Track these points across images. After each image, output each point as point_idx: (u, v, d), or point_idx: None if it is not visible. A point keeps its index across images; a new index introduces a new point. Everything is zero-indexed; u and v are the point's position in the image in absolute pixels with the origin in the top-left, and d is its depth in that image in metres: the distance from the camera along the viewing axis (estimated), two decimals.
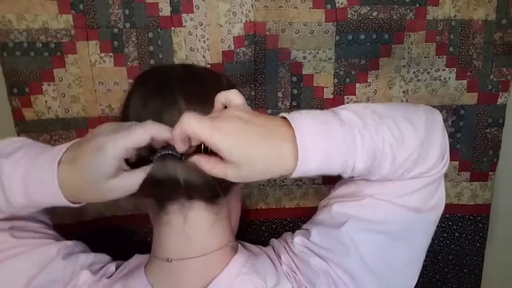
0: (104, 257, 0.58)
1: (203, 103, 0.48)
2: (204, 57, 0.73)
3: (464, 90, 0.78)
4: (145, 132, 0.43)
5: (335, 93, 0.77)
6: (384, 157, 0.45)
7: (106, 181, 0.43)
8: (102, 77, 0.74)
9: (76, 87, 0.74)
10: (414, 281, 0.53)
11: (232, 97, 0.46)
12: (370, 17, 0.73)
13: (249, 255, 0.54)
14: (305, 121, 0.44)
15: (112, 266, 0.56)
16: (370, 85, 0.77)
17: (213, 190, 0.49)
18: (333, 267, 0.50)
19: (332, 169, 0.44)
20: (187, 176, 0.46)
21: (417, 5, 0.73)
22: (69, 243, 0.55)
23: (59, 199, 0.45)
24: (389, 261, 0.50)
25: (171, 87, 0.51)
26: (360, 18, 0.73)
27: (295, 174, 0.43)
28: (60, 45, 0.71)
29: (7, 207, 0.47)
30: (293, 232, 0.58)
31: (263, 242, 0.60)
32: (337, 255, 0.50)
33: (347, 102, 0.77)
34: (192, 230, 0.51)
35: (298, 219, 0.81)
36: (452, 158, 0.80)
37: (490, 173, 0.81)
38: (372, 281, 0.50)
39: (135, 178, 0.44)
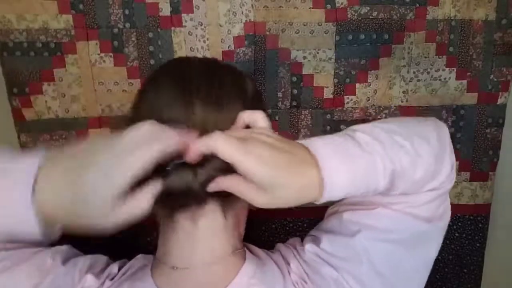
0: (101, 258, 0.55)
1: (221, 107, 0.46)
2: (204, 57, 0.73)
3: (464, 90, 0.78)
4: (154, 152, 0.39)
5: (335, 93, 0.77)
6: (403, 176, 0.46)
7: (107, 205, 0.38)
8: (102, 77, 0.74)
9: (76, 87, 0.74)
10: (421, 287, 0.54)
11: (258, 119, 0.45)
12: (370, 17, 0.73)
13: (258, 264, 0.52)
14: (326, 151, 0.43)
15: (114, 267, 0.54)
16: (370, 85, 0.77)
17: (223, 195, 0.45)
18: (344, 276, 0.49)
19: (356, 194, 0.45)
20: (200, 185, 0.44)
21: (417, 5, 0.73)
22: (61, 248, 0.53)
23: (32, 229, 0.40)
24: (398, 269, 0.51)
25: (188, 87, 0.47)
26: (360, 18, 0.73)
27: (321, 201, 0.43)
28: (60, 45, 0.71)
29: None
30: (296, 235, 0.58)
31: (263, 242, 0.60)
32: (349, 263, 0.50)
33: (347, 102, 0.77)
34: (201, 235, 0.49)
35: (298, 219, 0.81)
36: None
37: (490, 173, 0.81)
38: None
39: (143, 200, 0.40)
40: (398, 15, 0.74)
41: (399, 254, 0.50)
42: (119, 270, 0.54)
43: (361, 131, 0.46)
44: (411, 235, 0.50)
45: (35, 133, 0.74)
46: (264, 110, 0.49)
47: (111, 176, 0.37)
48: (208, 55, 0.73)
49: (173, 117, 0.45)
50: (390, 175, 0.45)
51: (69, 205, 0.39)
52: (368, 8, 0.73)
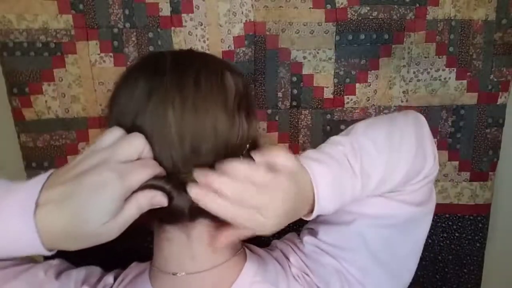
0: (95, 269, 0.55)
1: (197, 110, 0.42)
2: None
3: (464, 90, 0.78)
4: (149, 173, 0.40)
5: (335, 93, 0.77)
6: (384, 183, 0.49)
7: (104, 224, 0.38)
8: (102, 77, 0.73)
9: (76, 87, 0.73)
10: (415, 267, 0.55)
11: (279, 161, 0.41)
12: (370, 17, 0.73)
13: (259, 262, 0.52)
14: (325, 181, 0.44)
15: (109, 278, 0.53)
16: (370, 85, 0.77)
17: (197, 213, 0.44)
18: (345, 265, 0.50)
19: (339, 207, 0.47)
20: (189, 206, 0.43)
21: (417, 5, 0.73)
22: (53, 262, 0.52)
23: (35, 248, 0.39)
24: (395, 252, 0.52)
25: (161, 90, 0.43)
26: (360, 18, 0.73)
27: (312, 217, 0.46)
28: (60, 45, 0.71)
29: None
30: (293, 230, 0.58)
31: (259, 240, 0.59)
32: (348, 252, 0.51)
33: (347, 102, 0.77)
34: (197, 246, 0.48)
35: None
36: (452, 158, 0.81)
37: (490, 173, 0.81)
38: (382, 273, 0.52)
39: (128, 214, 0.40)
40: (398, 15, 0.74)
41: (395, 239, 0.52)
42: (114, 280, 0.53)
43: (349, 150, 0.47)
44: (404, 220, 0.51)
45: (35, 133, 0.74)
46: (252, 108, 0.47)
47: (90, 211, 0.38)
48: None
49: (147, 125, 0.42)
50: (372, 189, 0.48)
51: (66, 232, 0.39)
52: (368, 8, 0.73)
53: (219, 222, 0.45)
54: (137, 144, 0.41)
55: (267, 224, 0.41)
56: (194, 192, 0.40)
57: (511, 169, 0.85)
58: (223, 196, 0.39)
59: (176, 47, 0.73)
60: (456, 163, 0.81)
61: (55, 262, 0.52)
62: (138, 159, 0.41)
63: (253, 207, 0.40)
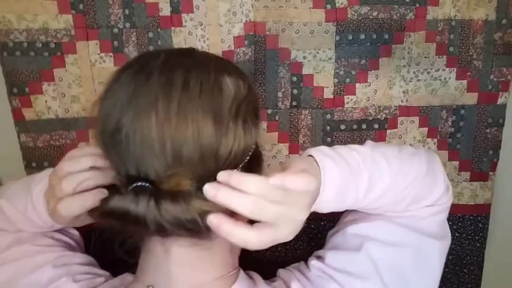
0: (101, 272, 0.55)
1: (182, 119, 0.39)
2: None
3: (464, 90, 0.78)
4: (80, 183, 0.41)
5: (335, 93, 0.77)
6: (387, 193, 0.48)
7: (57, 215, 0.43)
8: (102, 77, 0.73)
9: (76, 87, 0.74)
10: None
11: (293, 187, 0.38)
12: (370, 17, 0.73)
13: (249, 285, 0.48)
14: (334, 180, 0.43)
15: (100, 279, 0.52)
16: (370, 85, 0.77)
17: (197, 227, 0.39)
18: None
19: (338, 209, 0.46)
20: (157, 215, 0.38)
21: (417, 5, 0.73)
22: (67, 253, 0.54)
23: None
24: (408, 285, 0.49)
25: (146, 94, 0.40)
26: (360, 18, 0.73)
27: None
28: (60, 45, 0.71)
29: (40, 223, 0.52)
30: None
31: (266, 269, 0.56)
32: (357, 279, 0.48)
33: (347, 102, 0.77)
34: (174, 266, 0.44)
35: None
36: (452, 158, 0.81)
37: (490, 173, 0.81)
38: None
39: (87, 201, 0.41)
40: (398, 15, 0.73)
41: (407, 270, 0.49)
42: (103, 282, 0.53)
43: (358, 153, 0.47)
44: (415, 249, 0.49)
45: (35, 133, 0.74)
46: (254, 116, 0.44)
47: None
48: None
49: (129, 127, 0.40)
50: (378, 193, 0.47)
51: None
52: (368, 8, 0.73)
53: (197, 239, 0.43)
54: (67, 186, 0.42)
55: (285, 235, 0.39)
56: (212, 193, 0.37)
57: (511, 169, 0.85)
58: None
59: (176, 47, 0.73)
60: (456, 163, 0.81)
61: (70, 253, 0.55)
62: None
63: (270, 219, 0.37)
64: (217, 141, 0.40)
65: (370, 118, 0.78)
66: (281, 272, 0.54)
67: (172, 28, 0.72)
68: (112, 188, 0.41)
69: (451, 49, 0.76)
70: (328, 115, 0.77)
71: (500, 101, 0.78)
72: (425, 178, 0.50)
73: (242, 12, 0.72)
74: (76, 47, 0.72)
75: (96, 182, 0.42)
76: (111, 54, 0.73)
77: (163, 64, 0.42)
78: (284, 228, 0.38)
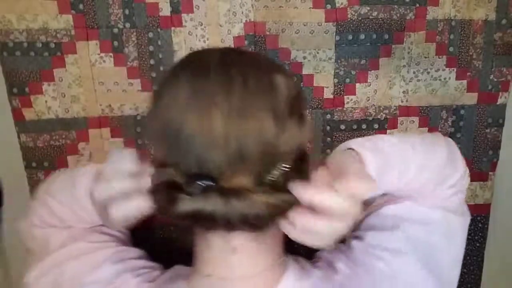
0: (155, 265, 0.57)
1: (244, 116, 0.40)
2: None
3: (464, 90, 0.78)
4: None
5: (335, 93, 0.77)
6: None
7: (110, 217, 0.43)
8: (102, 77, 0.74)
9: (76, 87, 0.74)
10: (457, 278, 0.56)
11: (359, 193, 0.40)
12: (370, 17, 0.73)
13: (300, 271, 0.51)
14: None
15: (156, 272, 0.55)
16: (370, 85, 0.77)
17: (260, 221, 0.41)
18: (395, 268, 0.50)
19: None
20: (226, 212, 0.39)
21: (417, 5, 0.73)
22: (122, 248, 0.56)
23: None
24: (442, 259, 0.53)
25: (205, 93, 0.41)
26: (360, 18, 0.73)
27: None
28: (60, 45, 0.71)
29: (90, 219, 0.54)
30: None
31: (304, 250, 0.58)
32: (397, 255, 0.51)
33: (347, 102, 0.77)
34: (236, 257, 0.46)
35: None
36: None
37: (490, 173, 0.81)
38: (428, 279, 0.52)
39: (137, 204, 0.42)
40: (398, 15, 0.74)
41: (439, 246, 0.53)
42: (160, 275, 0.55)
43: (389, 144, 0.51)
44: (445, 225, 0.53)
45: (35, 133, 0.74)
46: (303, 112, 0.45)
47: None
48: None
49: (190, 125, 0.40)
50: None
51: None
52: (368, 8, 0.73)
53: (258, 232, 0.45)
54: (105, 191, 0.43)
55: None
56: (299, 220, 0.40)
57: (511, 169, 0.85)
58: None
59: (176, 47, 0.73)
60: None
61: (124, 248, 0.56)
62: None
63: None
64: (277, 138, 0.41)
65: (370, 118, 0.78)
66: (321, 253, 0.56)
67: (172, 28, 0.72)
68: (172, 186, 0.41)
69: (451, 49, 0.76)
70: (328, 115, 0.77)
71: (500, 101, 0.79)
72: (446, 163, 0.53)
73: (242, 12, 0.72)
74: (76, 47, 0.72)
75: (142, 191, 0.42)
76: (111, 54, 0.73)
77: (220, 63, 0.43)
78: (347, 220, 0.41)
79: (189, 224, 0.43)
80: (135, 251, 0.58)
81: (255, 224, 0.41)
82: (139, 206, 0.42)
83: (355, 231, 0.57)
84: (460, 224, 0.55)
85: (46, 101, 0.73)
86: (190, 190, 0.40)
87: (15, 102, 0.73)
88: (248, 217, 0.40)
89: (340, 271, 0.51)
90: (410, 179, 0.51)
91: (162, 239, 0.78)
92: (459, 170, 0.55)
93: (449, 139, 0.59)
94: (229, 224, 0.40)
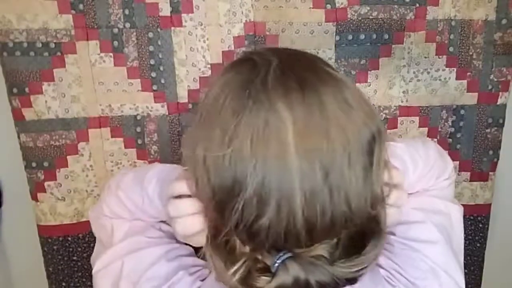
0: (204, 263, 0.57)
1: (315, 125, 0.35)
2: (204, 57, 0.73)
3: (464, 90, 0.78)
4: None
5: None
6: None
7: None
8: (102, 77, 0.74)
9: (76, 87, 0.73)
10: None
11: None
12: (370, 17, 0.73)
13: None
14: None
15: (205, 271, 0.55)
16: (370, 85, 0.77)
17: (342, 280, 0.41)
18: (433, 258, 0.52)
19: None
20: (307, 278, 0.39)
21: (417, 5, 0.73)
22: (176, 245, 0.57)
23: None
24: (454, 246, 0.56)
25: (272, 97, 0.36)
26: (360, 18, 0.73)
27: None
28: (60, 45, 0.71)
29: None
30: None
31: None
32: (429, 244, 0.53)
33: None
34: None
35: None
36: (452, 158, 0.80)
37: (490, 173, 0.81)
38: (457, 266, 0.54)
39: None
40: (398, 15, 0.73)
41: (453, 235, 0.56)
42: (208, 274, 0.55)
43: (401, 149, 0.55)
44: (449, 214, 0.57)
45: (35, 133, 0.74)
46: (383, 158, 0.42)
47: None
48: (208, 55, 0.73)
49: (265, 175, 0.34)
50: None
51: None
52: (368, 8, 0.73)
53: None
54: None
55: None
56: None
57: (511, 169, 0.85)
58: None
59: (176, 47, 0.73)
60: (457, 163, 0.81)
61: (177, 245, 0.57)
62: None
63: None
64: (363, 188, 0.37)
65: None
66: None
67: (172, 28, 0.72)
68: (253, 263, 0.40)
69: (451, 49, 0.76)
70: None
71: (500, 101, 0.78)
72: (439, 157, 0.60)
73: (242, 12, 0.72)
74: (76, 47, 0.72)
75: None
76: (111, 54, 0.73)
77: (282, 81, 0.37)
78: None
79: None
80: (186, 248, 0.59)
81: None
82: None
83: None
84: (459, 213, 0.59)
85: (46, 101, 0.73)
86: (272, 265, 0.39)
87: (15, 102, 0.73)
88: (325, 285, 0.39)
89: (383, 266, 0.52)
90: (420, 175, 0.56)
91: None
92: (450, 163, 0.61)
93: (429, 140, 0.65)
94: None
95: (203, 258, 0.47)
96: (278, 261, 0.38)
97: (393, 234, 0.55)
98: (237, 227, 0.37)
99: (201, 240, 0.45)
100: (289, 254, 0.38)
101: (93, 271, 0.56)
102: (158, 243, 0.56)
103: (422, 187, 0.59)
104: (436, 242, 0.54)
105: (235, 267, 0.40)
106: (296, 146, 0.34)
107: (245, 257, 0.40)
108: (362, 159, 0.37)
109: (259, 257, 0.41)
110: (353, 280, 0.41)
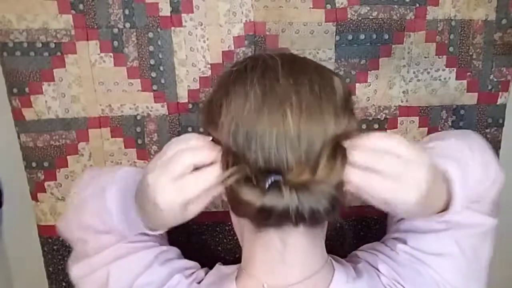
0: (195, 264, 0.58)
1: (313, 115, 0.44)
2: (204, 57, 0.73)
3: (464, 90, 0.78)
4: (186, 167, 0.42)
5: None
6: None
7: (180, 219, 0.44)
8: (102, 77, 0.74)
9: (76, 87, 0.74)
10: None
11: (390, 146, 0.41)
12: (370, 17, 0.73)
13: (347, 270, 0.52)
14: (456, 174, 0.47)
15: (201, 272, 0.56)
16: (370, 85, 0.77)
17: (323, 218, 0.44)
18: (443, 274, 0.51)
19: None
20: (301, 208, 0.41)
21: (417, 5, 0.73)
22: (166, 248, 0.57)
23: (148, 232, 0.50)
24: (481, 262, 0.55)
25: (277, 93, 0.45)
26: (360, 18, 0.73)
27: (448, 215, 0.46)
28: (60, 45, 0.71)
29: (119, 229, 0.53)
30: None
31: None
32: (444, 258, 0.51)
33: None
34: (291, 255, 0.48)
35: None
36: None
37: None
38: (475, 281, 0.53)
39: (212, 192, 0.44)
40: (398, 15, 0.74)
41: (477, 244, 0.54)
42: (205, 275, 0.55)
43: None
44: (485, 229, 0.54)
45: (35, 133, 0.74)
46: (353, 107, 0.49)
47: (161, 187, 0.42)
48: (208, 55, 0.73)
49: (264, 130, 0.43)
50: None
51: (150, 219, 0.47)
52: (368, 8, 0.73)
53: (315, 228, 0.48)
54: (179, 166, 0.42)
55: (409, 197, 0.40)
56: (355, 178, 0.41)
57: (510, 169, 0.84)
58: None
59: (176, 47, 0.73)
60: None
61: (165, 248, 0.57)
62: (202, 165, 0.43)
63: (395, 177, 0.40)
64: (335, 133, 0.44)
65: (370, 118, 0.78)
66: (359, 254, 0.57)
67: (172, 28, 0.72)
68: (245, 181, 0.42)
69: (451, 49, 0.76)
70: None
71: (500, 101, 0.79)
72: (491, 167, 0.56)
73: (242, 12, 0.72)
74: (76, 47, 0.72)
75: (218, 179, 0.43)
76: (111, 54, 0.73)
77: (286, 68, 0.47)
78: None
79: (256, 219, 0.45)
80: (174, 251, 0.59)
81: (318, 217, 0.42)
82: (215, 178, 0.42)
83: (394, 232, 0.57)
84: (494, 225, 0.57)
85: (46, 101, 0.73)
86: (263, 185, 0.41)
87: (15, 102, 0.73)
88: (318, 210, 0.41)
89: (384, 274, 0.51)
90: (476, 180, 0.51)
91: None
92: (499, 171, 0.57)
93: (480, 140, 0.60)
94: (300, 219, 0.41)
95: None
96: (269, 180, 0.41)
97: (405, 242, 0.53)
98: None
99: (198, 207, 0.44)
100: (280, 178, 0.41)
101: (73, 276, 0.54)
102: (145, 247, 0.54)
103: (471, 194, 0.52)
104: (450, 256, 0.51)
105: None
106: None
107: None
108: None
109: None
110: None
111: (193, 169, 0.42)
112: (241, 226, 0.52)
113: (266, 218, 0.42)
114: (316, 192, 0.41)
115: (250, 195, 0.41)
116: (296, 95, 0.44)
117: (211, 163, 0.43)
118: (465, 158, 0.51)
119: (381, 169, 0.40)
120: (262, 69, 0.47)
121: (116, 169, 0.56)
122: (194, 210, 0.44)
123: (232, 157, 0.43)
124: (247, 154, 0.43)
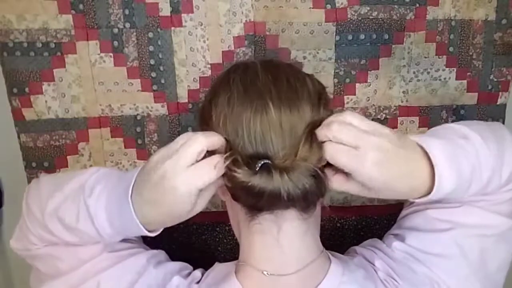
0: (186, 265, 0.58)
1: (292, 107, 0.49)
2: (204, 57, 0.73)
3: (464, 90, 0.78)
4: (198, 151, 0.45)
5: (335, 93, 0.77)
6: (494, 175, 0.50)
7: (190, 212, 0.47)
8: (102, 77, 0.74)
9: (76, 87, 0.74)
10: (502, 285, 0.55)
11: (352, 120, 0.45)
12: (370, 17, 0.73)
13: (343, 263, 0.53)
14: (439, 153, 0.46)
15: (197, 272, 0.56)
16: (370, 85, 0.77)
17: (312, 199, 0.48)
18: (440, 274, 0.50)
19: (460, 191, 0.48)
20: (289, 188, 0.44)
21: (417, 5, 0.73)
22: (155, 252, 0.57)
23: (143, 232, 0.48)
24: (487, 265, 0.52)
25: (259, 89, 0.50)
26: (360, 18, 0.73)
27: (433, 197, 0.46)
28: (60, 45, 0.71)
29: (100, 238, 0.50)
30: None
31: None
32: (443, 259, 0.51)
33: (347, 102, 0.77)
34: (287, 240, 0.50)
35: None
36: None
37: None
38: (476, 283, 0.51)
39: (209, 194, 0.48)
40: (398, 15, 0.74)
41: (488, 250, 0.52)
42: (202, 275, 0.56)
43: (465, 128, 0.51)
44: (496, 230, 0.52)
45: (35, 133, 0.74)
46: (328, 104, 0.53)
47: (181, 171, 0.44)
48: (208, 55, 0.73)
49: (249, 120, 0.48)
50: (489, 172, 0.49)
51: (159, 213, 0.47)
52: (368, 8, 0.73)
53: (307, 213, 0.50)
54: (194, 148, 0.45)
55: (366, 161, 0.43)
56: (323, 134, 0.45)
57: None
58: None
59: (176, 47, 0.73)
60: None
61: (156, 252, 0.57)
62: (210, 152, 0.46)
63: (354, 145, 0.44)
64: (314, 120, 0.49)
65: (370, 118, 0.78)
66: (357, 249, 0.58)
67: (172, 28, 0.72)
68: (237, 166, 0.45)
69: (451, 49, 0.76)
70: None
71: (500, 101, 0.79)
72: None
73: (242, 12, 0.72)
74: (76, 47, 0.72)
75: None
76: (111, 54, 0.73)
77: (265, 67, 0.54)
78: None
79: (249, 203, 0.48)
80: (162, 253, 0.59)
81: (307, 197, 0.45)
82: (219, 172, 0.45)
83: (396, 228, 0.57)
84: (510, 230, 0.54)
85: (46, 101, 0.73)
86: (253, 167, 0.45)
87: (15, 102, 0.73)
88: (307, 190, 0.44)
89: (380, 269, 0.52)
90: (486, 178, 0.50)
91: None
92: None
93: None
94: (291, 201, 0.44)
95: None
96: (259, 163, 0.44)
97: (403, 239, 0.53)
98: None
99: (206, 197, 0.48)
100: (269, 161, 0.45)
101: None
102: (131, 254, 0.54)
103: (479, 191, 0.51)
104: (448, 257, 0.50)
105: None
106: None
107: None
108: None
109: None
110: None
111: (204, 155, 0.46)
112: (237, 218, 0.53)
113: (258, 199, 0.45)
114: (300, 171, 0.44)
115: (243, 176, 0.44)
116: (275, 88, 0.50)
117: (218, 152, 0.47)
118: (470, 143, 0.49)
119: (342, 138, 0.44)
120: (243, 69, 0.54)
121: (82, 173, 0.54)
122: (202, 203, 0.47)
123: (226, 145, 0.47)
124: (237, 141, 0.48)
